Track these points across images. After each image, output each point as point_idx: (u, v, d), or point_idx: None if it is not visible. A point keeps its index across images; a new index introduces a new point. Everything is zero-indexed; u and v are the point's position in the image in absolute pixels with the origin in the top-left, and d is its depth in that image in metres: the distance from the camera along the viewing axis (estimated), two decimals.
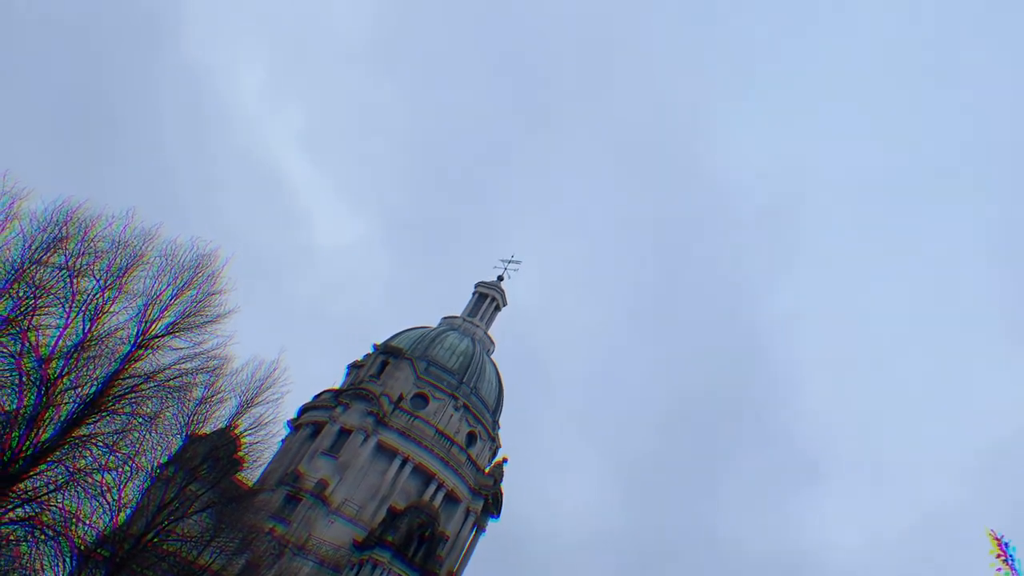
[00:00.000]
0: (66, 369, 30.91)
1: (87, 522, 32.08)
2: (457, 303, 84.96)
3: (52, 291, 31.00)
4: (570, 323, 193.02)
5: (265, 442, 40.27)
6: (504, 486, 72.99)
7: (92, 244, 32.36)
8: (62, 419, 31.01)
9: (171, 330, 34.00)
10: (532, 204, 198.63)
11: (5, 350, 29.80)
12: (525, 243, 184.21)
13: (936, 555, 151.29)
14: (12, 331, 29.90)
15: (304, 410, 71.77)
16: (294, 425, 71.04)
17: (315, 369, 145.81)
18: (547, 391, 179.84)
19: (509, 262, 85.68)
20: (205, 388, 36.31)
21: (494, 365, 79.63)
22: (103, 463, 32.24)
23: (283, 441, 68.92)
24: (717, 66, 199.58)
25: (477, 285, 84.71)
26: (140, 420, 33.43)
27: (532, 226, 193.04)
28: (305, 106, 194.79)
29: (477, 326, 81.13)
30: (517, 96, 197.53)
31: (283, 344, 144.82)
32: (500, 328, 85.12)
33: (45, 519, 30.06)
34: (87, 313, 31.65)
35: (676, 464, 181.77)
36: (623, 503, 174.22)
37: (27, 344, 30.29)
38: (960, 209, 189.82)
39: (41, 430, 30.19)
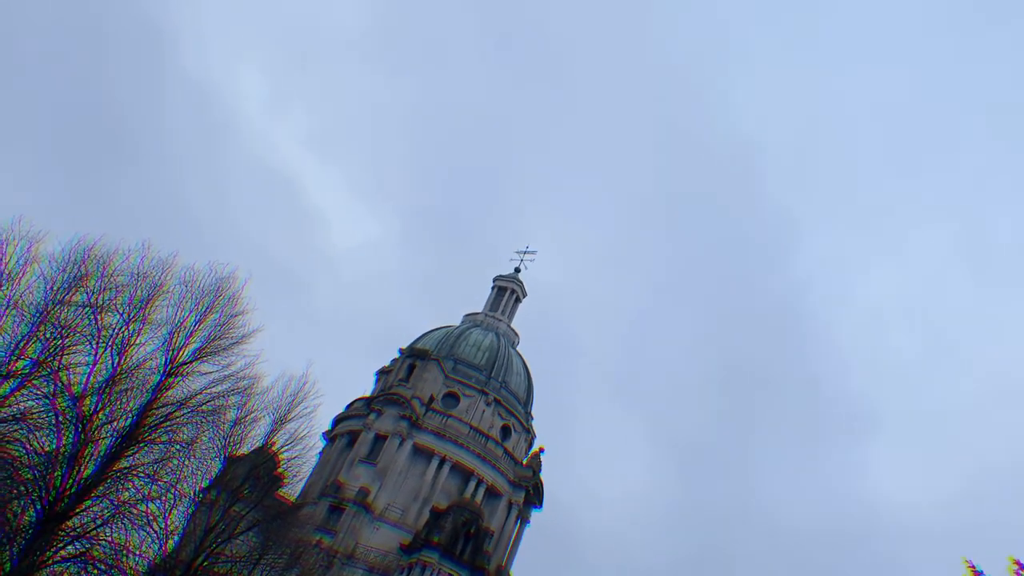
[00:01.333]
0: (100, 405, 31.29)
1: (137, 553, 32.53)
2: (477, 298, 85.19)
3: (78, 329, 31.37)
4: (598, 303, 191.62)
5: (303, 456, 40.61)
6: (544, 475, 73.25)
7: (112, 279, 32.73)
8: (101, 454, 31.40)
9: (198, 356, 34.32)
10: (546, 188, 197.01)
11: (39, 392, 30.19)
12: (543, 229, 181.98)
13: (994, 509, 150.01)
14: (43, 373, 30.29)
15: (338, 420, 72.23)
16: (329, 436, 71.54)
17: (344, 376, 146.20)
18: (582, 374, 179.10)
19: (525, 253, 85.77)
20: (238, 409, 36.61)
21: (520, 357, 79.75)
22: (146, 493, 32.68)
23: (320, 453, 69.45)
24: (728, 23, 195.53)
25: (495, 279, 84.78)
26: (178, 447, 33.82)
27: (549, 211, 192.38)
28: (309, 107, 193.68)
29: (499, 320, 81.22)
30: (520, 81, 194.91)
31: (310, 356, 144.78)
32: (525, 318, 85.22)
33: (96, 554, 30.50)
34: (114, 347, 32.00)
35: (721, 432, 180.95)
36: (671, 477, 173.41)
37: (59, 384, 30.67)
38: (996, 145, 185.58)
39: (83, 467, 30.59)
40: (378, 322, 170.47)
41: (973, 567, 19.78)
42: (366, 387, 75.87)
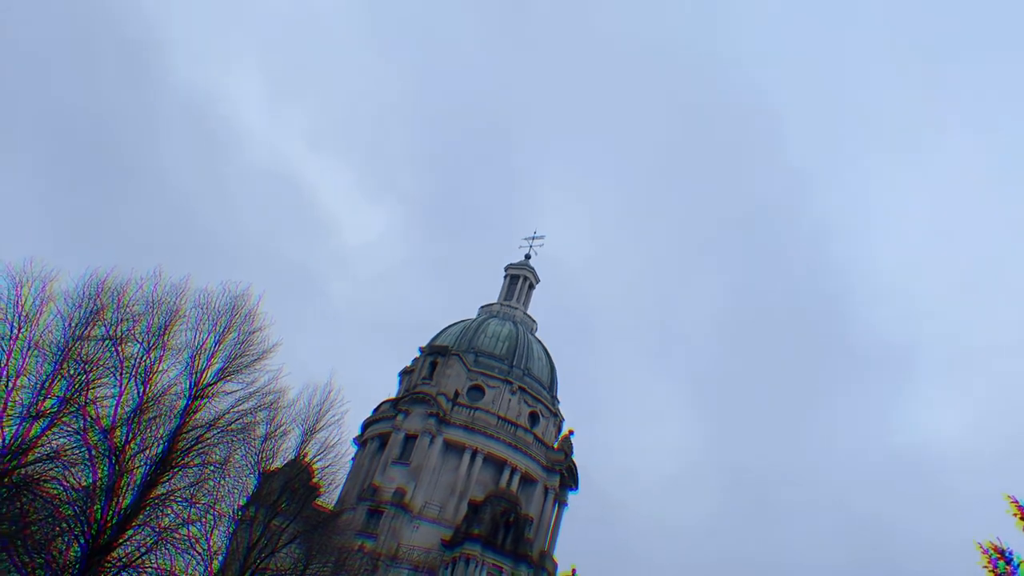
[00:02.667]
0: (130, 435, 31.55)
1: None
2: (491, 288, 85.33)
3: (100, 363, 31.61)
4: (621, 274, 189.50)
5: (336, 464, 40.84)
6: (580, 457, 73.55)
7: (128, 310, 32.94)
8: (138, 483, 31.69)
9: (222, 376, 34.50)
10: (555, 163, 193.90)
11: (69, 428, 30.49)
12: (555, 209, 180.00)
13: None
14: (72, 409, 30.57)
15: (367, 425, 72.59)
16: (360, 441, 71.92)
17: (367, 377, 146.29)
18: (611, 348, 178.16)
19: (533, 239, 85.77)
20: (267, 424, 36.80)
21: (540, 342, 79.88)
22: (186, 517, 32.99)
23: (353, 459, 69.84)
24: None
25: (507, 268, 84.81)
26: (211, 468, 34.07)
27: (560, 187, 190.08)
28: (307, 106, 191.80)
29: (515, 308, 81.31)
30: (521, 58, 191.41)
31: (332, 359, 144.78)
32: (545, 302, 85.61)
33: None
34: (138, 377, 32.23)
35: (757, 386, 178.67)
36: (711, 438, 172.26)
37: (88, 419, 30.94)
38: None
39: (121, 497, 30.89)
40: (396, 319, 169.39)
41: (1016, 502, 19.66)
42: (390, 388, 76.42)
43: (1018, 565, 19.17)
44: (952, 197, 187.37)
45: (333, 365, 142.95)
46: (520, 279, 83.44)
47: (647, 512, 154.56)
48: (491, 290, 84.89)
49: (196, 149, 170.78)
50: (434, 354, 71.89)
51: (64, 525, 30.09)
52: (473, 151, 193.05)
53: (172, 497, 32.77)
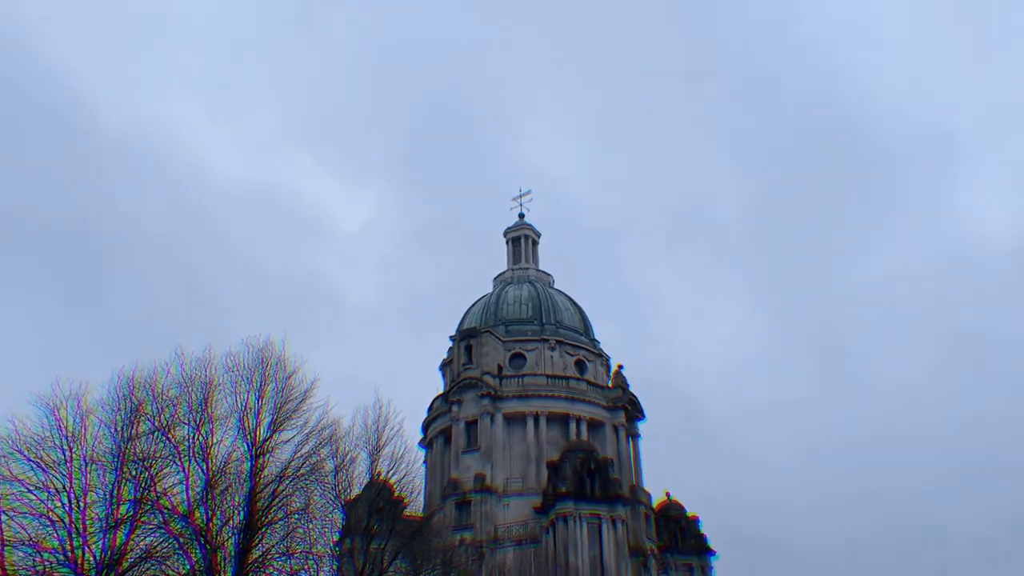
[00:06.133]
0: (210, 512, 31.97)
1: None
2: (498, 254, 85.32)
3: (157, 455, 32.02)
4: (623, 179, 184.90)
5: (411, 472, 41.21)
6: (639, 385, 74.14)
7: (165, 397, 33.32)
8: (232, 554, 32.19)
9: (274, 428, 34.81)
10: (540, 94, 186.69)
11: (151, 525, 30.95)
12: (539, 143, 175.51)
13: None
14: (147, 508, 31.03)
15: (426, 425, 73.35)
16: (425, 443, 72.72)
17: (402, 366, 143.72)
18: (642, 261, 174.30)
19: (521, 197, 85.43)
20: (333, 458, 37.08)
21: (562, 293, 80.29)
22: (289, 570, 33.47)
23: (425, 462, 70.66)
24: None
25: (505, 233, 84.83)
26: (296, 517, 34.49)
27: (538, 116, 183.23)
28: (254, 111, 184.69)
29: (526, 268, 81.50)
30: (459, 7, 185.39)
31: (369, 364, 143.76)
32: (558, 247, 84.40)
33: None
34: (196, 456, 32.62)
35: (800, 230, 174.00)
36: (773, 306, 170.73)
37: (165, 511, 31.39)
38: None
39: (222, 573, 31.38)
40: (414, 302, 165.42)
41: None
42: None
43: None
44: None
45: (370, 366, 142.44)
46: (521, 239, 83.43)
47: (727, 410, 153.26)
48: (498, 256, 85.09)
49: (159, 190, 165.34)
50: (466, 338, 72.29)
51: None
52: (444, 109, 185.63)
53: (269, 556, 33.27)
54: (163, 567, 31.16)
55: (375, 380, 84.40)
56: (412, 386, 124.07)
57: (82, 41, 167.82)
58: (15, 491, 29.19)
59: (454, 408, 69.40)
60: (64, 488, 29.51)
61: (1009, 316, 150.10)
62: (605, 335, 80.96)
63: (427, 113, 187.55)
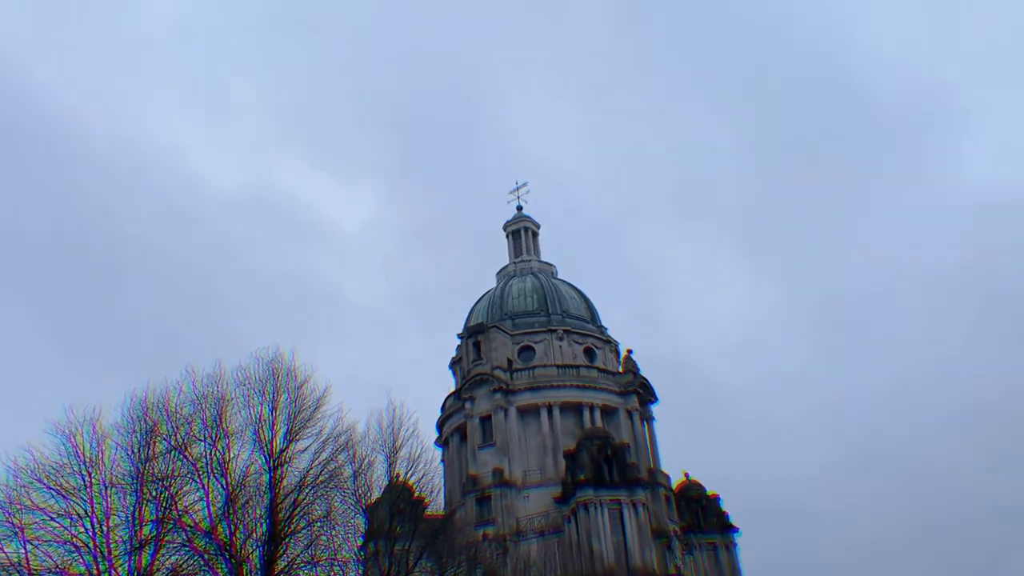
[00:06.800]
0: (232, 526, 32.11)
1: None
2: (499, 249, 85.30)
3: (176, 474, 32.14)
4: (617, 161, 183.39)
5: (429, 471, 41.28)
6: (650, 368, 74.06)
7: (178, 415, 33.43)
8: (258, 566, 32.33)
9: (290, 437, 34.93)
10: (532, 88, 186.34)
11: (175, 543, 31.09)
12: (532, 134, 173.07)
13: None
14: (170, 527, 31.19)
15: (441, 424, 73.55)
16: (441, 442, 72.90)
17: (412, 365, 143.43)
18: (646, 244, 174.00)
19: (518, 189, 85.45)
20: (351, 463, 37.20)
21: (566, 282, 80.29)
22: None
23: (443, 461, 70.94)
24: None
25: (505, 227, 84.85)
26: (319, 524, 34.64)
27: (530, 100, 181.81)
28: (245, 118, 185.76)
29: (528, 260, 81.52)
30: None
31: (380, 361, 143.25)
32: (559, 237, 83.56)
33: None
34: (215, 471, 32.75)
35: (804, 200, 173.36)
36: (775, 275, 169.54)
37: (188, 528, 31.52)
38: None
39: None
40: (421, 298, 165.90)
41: None
42: (445, 383, 76.97)
43: None
44: None
45: (378, 366, 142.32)
46: (521, 232, 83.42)
47: (740, 384, 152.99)
48: (499, 251, 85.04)
49: (154, 205, 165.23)
50: (474, 335, 72.37)
51: None
52: (429, 105, 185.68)
53: (295, 566, 33.42)
54: None
55: (384, 381, 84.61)
56: (422, 385, 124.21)
57: (57, 60, 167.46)
58: (38, 520, 29.40)
59: (467, 405, 69.58)
60: (86, 513, 29.69)
61: None
62: (613, 320, 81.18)
63: (419, 110, 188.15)
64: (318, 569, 34.14)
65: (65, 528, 29.34)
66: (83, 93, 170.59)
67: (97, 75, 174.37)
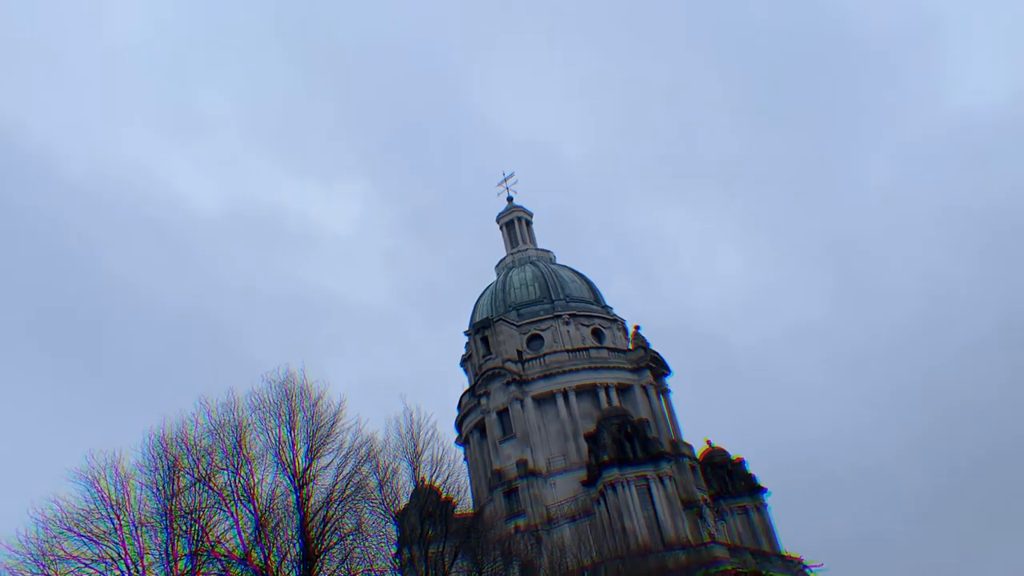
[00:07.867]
0: (266, 551, 32.22)
1: None
2: (495, 241, 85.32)
3: (203, 505, 32.23)
4: (609, 138, 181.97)
5: (453, 471, 41.44)
6: (660, 341, 74.52)
7: (198, 448, 33.51)
8: None
9: (311, 455, 35.02)
10: (509, 68, 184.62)
11: (212, 573, 31.19)
12: (517, 116, 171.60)
13: None
14: (204, 559, 31.30)
15: (459, 423, 73.73)
16: (461, 441, 73.05)
17: (425, 366, 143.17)
18: (646, 219, 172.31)
19: (506, 180, 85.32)
20: (375, 473, 37.33)
21: (566, 267, 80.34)
22: None
23: (466, 459, 71.00)
24: None
25: (498, 219, 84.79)
26: (351, 537, 34.76)
27: (510, 88, 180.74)
28: (228, 128, 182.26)
29: (525, 250, 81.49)
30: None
31: (394, 363, 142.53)
32: (556, 219, 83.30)
33: None
34: (241, 498, 32.83)
35: (797, 145, 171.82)
36: (778, 231, 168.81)
37: (223, 558, 31.63)
38: None
39: None
40: (423, 296, 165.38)
41: None
42: (458, 382, 77.15)
43: None
44: None
45: (387, 370, 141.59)
46: (515, 222, 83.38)
47: (753, 343, 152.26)
48: (496, 243, 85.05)
49: (139, 235, 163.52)
50: (480, 330, 72.49)
51: None
52: (407, 101, 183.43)
53: None
54: None
55: (397, 384, 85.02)
56: (434, 384, 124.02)
57: (22, 91, 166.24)
58: (73, 568, 29.50)
59: (483, 400, 69.67)
60: (120, 556, 29.81)
61: None
62: (617, 296, 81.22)
63: (396, 104, 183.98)
64: None
65: (100, 573, 29.46)
66: (52, 124, 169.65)
67: (64, 102, 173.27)
